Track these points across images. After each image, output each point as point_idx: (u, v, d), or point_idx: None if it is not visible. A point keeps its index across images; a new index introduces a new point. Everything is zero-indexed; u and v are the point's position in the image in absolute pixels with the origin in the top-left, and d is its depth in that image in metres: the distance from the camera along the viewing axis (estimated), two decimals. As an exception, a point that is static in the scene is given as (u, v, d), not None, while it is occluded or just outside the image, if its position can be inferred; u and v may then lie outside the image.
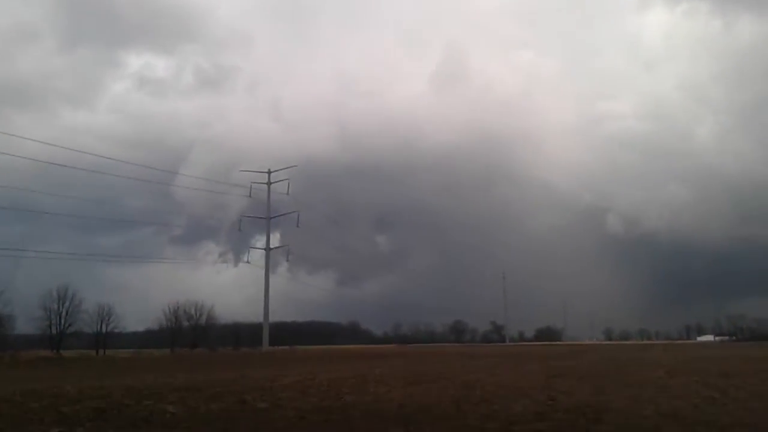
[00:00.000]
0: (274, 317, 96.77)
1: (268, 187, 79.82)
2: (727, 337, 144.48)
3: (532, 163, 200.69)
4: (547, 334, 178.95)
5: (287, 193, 79.62)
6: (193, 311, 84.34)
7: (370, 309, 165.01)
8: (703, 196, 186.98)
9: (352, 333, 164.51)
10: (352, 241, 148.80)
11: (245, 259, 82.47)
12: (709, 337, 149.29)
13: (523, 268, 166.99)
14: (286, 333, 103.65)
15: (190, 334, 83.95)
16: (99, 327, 77.81)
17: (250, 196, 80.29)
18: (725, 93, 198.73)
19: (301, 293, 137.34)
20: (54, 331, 73.18)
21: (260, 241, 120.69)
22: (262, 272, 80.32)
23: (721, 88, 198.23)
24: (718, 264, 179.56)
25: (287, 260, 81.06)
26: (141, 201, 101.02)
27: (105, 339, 78.39)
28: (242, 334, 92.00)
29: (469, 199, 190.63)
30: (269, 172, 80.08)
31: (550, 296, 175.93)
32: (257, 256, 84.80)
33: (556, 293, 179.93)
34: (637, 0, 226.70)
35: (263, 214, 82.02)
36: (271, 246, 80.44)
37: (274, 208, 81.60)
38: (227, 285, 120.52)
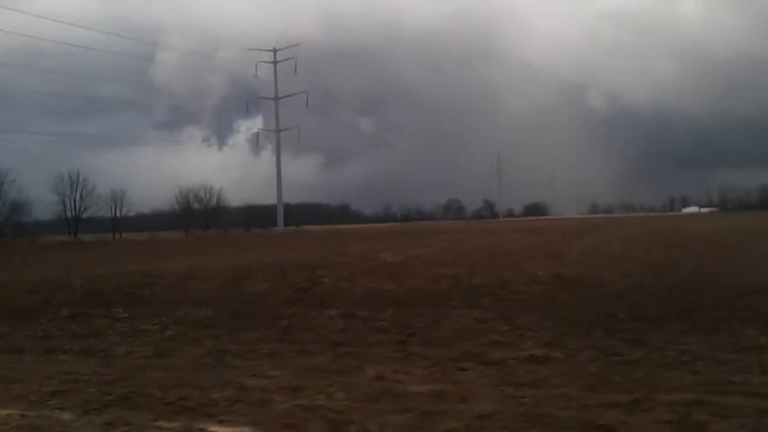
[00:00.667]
0: (263, 200, 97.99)
1: (274, 67, 77.90)
2: (714, 208, 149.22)
3: (518, 42, 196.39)
4: (534, 210, 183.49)
5: (295, 72, 77.65)
6: (203, 194, 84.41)
7: (359, 190, 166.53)
8: (687, 70, 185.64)
9: (342, 214, 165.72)
10: (338, 124, 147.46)
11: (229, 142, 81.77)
12: (695, 209, 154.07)
13: (510, 145, 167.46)
14: (260, 215, 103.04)
15: (201, 217, 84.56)
16: (113, 211, 77.81)
17: (256, 76, 78.16)
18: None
19: (289, 176, 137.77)
20: (69, 216, 73.09)
21: (243, 125, 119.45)
22: (247, 155, 79.98)
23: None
24: (701, 137, 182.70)
25: (298, 141, 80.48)
26: (119, 86, 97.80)
27: (119, 223, 78.72)
28: (250, 216, 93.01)
29: (453, 79, 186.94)
30: (275, 51, 77.54)
31: (537, 172, 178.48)
32: (241, 140, 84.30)
33: (543, 169, 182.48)
34: None
35: (247, 96, 79.90)
36: (257, 129, 79.94)
37: (258, 91, 79.40)
38: (214, 168, 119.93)
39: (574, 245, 23.97)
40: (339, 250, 26.41)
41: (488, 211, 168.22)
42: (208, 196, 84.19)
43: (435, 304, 9.86)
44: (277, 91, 78.08)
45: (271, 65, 78.12)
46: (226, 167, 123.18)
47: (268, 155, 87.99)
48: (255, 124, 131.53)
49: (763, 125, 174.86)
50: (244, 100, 79.63)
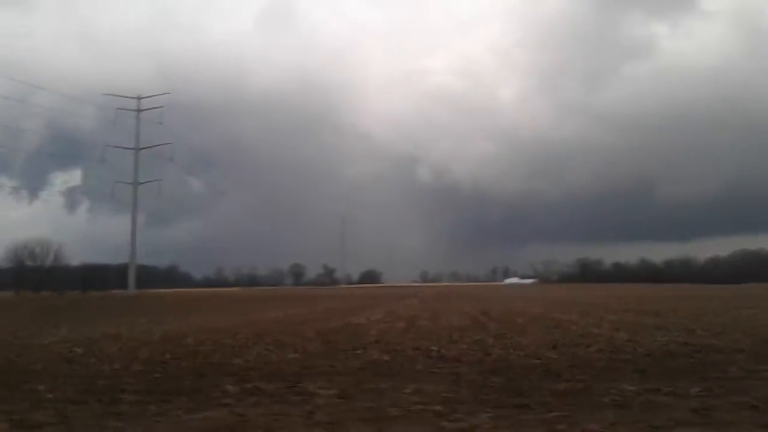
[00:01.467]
0: (85, 258, 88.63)
1: (137, 115, 72.47)
2: (533, 280, 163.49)
3: (358, 114, 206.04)
4: (370, 277, 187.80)
5: (160, 123, 72.85)
6: (38, 251, 73.94)
7: (188, 252, 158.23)
8: (503, 151, 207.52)
9: (169, 276, 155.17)
10: (167, 182, 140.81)
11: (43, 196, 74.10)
12: (515, 279, 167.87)
13: (349, 212, 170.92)
14: (100, 276, 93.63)
15: (35, 276, 73.78)
16: None
17: (114, 124, 72.00)
18: (528, 58, 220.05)
19: (107, 235, 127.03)
20: None
21: (59, 177, 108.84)
22: (60, 210, 73.12)
23: (525, 53, 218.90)
24: (514, 213, 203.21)
25: (159, 196, 74.49)
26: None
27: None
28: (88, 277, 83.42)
29: (290, 143, 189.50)
30: (139, 98, 72.28)
31: (373, 240, 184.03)
32: (54, 193, 76.42)
33: (379, 237, 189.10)
34: None
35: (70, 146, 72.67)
36: (72, 184, 73.49)
37: (80, 139, 72.11)
38: (21, 222, 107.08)
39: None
40: (249, 317, 23.98)
41: (328, 277, 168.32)
42: (45, 253, 74.00)
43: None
44: (138, 141, 72.23)
45: (128, 113, 72.49)
46: (39, 221, 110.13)
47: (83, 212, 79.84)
48: (73, 177, 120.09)
49: (568, 205, 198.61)
50: (63, 149, 73.12)
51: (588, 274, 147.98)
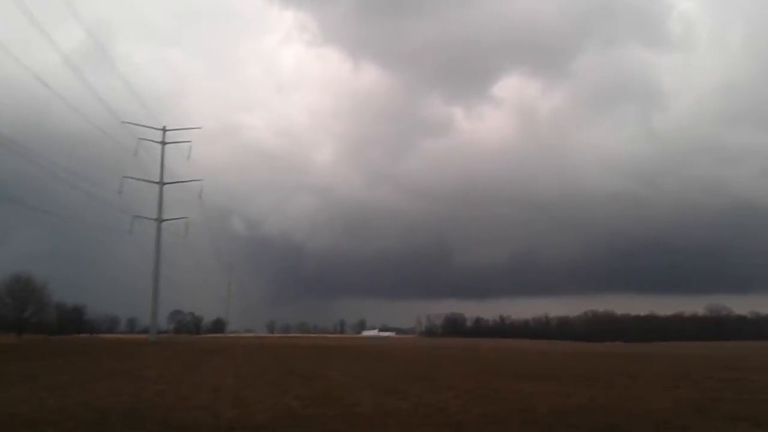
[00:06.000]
0: None
1: (162, 147, 68.24)
2: (391, 333, 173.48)
3: (174, 162, 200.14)
4: (216, 326, 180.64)
5: (188, 158, 69.24)
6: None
7: None
8: (318, 208, 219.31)
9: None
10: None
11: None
12: (374, 331, 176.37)
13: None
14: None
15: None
16: None
17: (135, 155, 66.79)
18: (344, 126, 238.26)
19: None
20: None
21: None
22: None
23: (341, 121, 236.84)
24: (332, 269, 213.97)
25: (185, 235, 69.09)
26: None
27: None
28: None
29: (96, 190, 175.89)
30: (164, 130, 68.35)
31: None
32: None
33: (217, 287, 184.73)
34: (281, 35, 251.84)
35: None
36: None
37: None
38: None
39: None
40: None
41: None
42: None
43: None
44: (162, 175, 67.31)
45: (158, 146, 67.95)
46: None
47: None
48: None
49: (376, 265, 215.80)
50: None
51: (450, 328, 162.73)
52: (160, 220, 66.26)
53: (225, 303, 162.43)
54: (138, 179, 65.66)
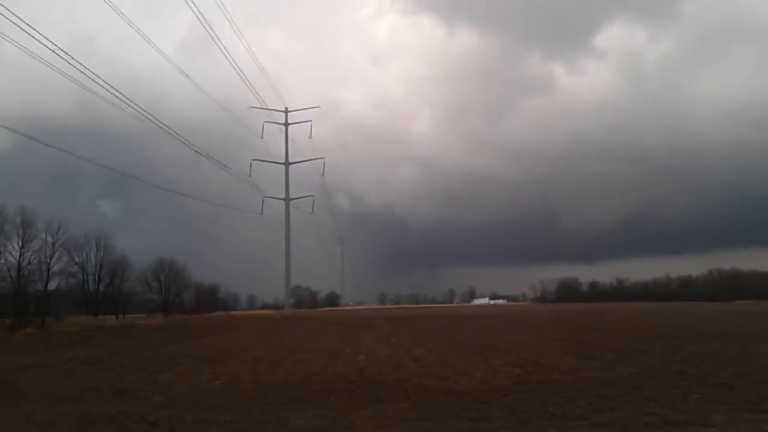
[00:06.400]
0: None
1: (286, 129, 70.47)
2: (502, 300, 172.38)
3: (274, 138, 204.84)
4: (330, 300, 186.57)
5: (310, 137, 71.31)
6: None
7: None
8: (420, 179, 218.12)
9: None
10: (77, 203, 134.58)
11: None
12: (485, 300, 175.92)
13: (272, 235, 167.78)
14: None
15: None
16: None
17: (262, 137, 69.48)
18: (441, 93, 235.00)
19: None
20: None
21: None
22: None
23: (438, 89, 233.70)
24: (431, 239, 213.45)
25: (311, 212, 72.00)
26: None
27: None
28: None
29: (207, 170, 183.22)
30: (286, 111, 70.40)
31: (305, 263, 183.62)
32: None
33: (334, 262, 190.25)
34: (374, 6, 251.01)
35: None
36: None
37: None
38: None
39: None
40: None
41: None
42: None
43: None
44: (287, 155, 69.97)
45: (278, 127, 70.40)
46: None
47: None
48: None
49: (481, 233, 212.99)
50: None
51: (564, 294, 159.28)
52: (288, 200, 68.88)
53: (337, 277, 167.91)
54: (265, 161, 68.33)
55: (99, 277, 54.95)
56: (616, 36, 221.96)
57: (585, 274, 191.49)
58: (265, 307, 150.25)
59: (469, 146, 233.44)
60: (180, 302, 74.26)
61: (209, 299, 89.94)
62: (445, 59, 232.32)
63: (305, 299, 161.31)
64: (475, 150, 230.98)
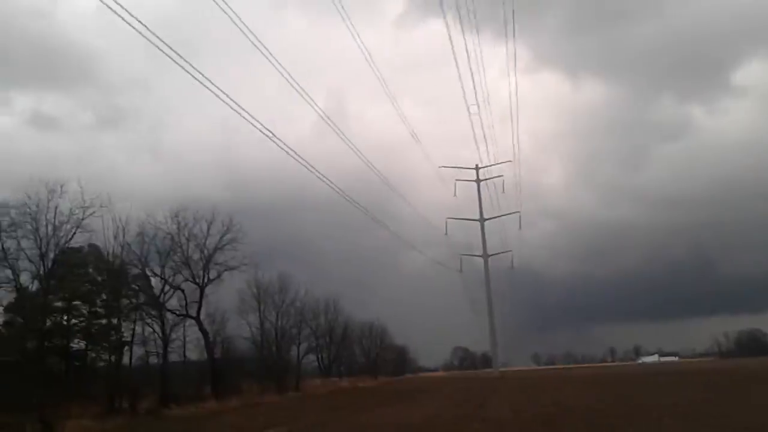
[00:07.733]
0: None
1: (478, 185, 70.19)
2: (674, 357, 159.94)
3: (410, 204, 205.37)
4: (483, 362, 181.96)
5: (503, 191, 70.74)
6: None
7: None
8: (555, 233, 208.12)
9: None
10: None
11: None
12: (654, 358, 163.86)
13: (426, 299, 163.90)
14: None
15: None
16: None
17: (455, 195, 69.65)
18: (571, 145, 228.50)
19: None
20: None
21: None
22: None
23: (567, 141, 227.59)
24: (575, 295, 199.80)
25: (511, 267, 71.09)
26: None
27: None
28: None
29: (350, 237, 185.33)
30: (477, 168, 70.35)
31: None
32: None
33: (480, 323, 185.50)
34: (497, 69, 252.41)
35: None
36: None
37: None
38: None
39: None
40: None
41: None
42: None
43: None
44: (482, 212, 69.77)
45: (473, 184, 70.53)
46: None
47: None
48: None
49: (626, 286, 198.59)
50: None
51: (748, 346, 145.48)
52: (486, 256, 68.02)
53: (488, 337, 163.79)
54: (460, 218, 68.30)
55: (331, 339, 55.90)
56: (755, 72, 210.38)
57: (750, 324, 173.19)
58: (420, 369, 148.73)
59: (604, 197, 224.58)
60: (380, 364, 74.46)
61: (401, 360, 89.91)
62: (572, 111, 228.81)
63: (464, 360, 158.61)
64: (611, 200, 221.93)
